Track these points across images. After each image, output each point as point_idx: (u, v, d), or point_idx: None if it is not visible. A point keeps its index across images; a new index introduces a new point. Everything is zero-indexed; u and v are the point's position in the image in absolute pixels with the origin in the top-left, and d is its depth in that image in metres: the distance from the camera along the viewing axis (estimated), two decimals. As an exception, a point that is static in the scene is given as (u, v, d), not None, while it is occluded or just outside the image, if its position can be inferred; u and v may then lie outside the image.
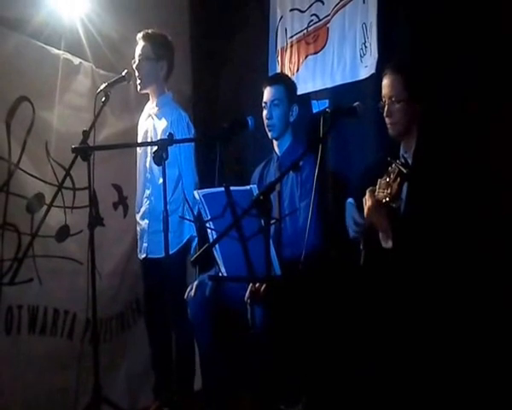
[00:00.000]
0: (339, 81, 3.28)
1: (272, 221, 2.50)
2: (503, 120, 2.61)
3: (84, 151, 2.86)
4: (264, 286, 2.76)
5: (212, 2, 4.10)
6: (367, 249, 2.56)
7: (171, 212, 3.03)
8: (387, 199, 2.32)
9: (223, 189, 2.63)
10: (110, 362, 3.57)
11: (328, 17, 3.36)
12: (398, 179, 2.29)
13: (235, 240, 2.61)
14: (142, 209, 3.48)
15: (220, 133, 3.08)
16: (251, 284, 2.81)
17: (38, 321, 3.26)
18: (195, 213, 3.06)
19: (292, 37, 3.62)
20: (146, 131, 3.50)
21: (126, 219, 3.75)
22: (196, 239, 3.31)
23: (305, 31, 3.53)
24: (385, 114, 2.61)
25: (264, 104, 3.18)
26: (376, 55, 3.02)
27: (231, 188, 2.62)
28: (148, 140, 3.46)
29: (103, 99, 3.12)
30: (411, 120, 2.59)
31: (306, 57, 3.52)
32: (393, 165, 2.33)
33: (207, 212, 2.78)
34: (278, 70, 3.68)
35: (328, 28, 3.37)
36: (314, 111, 3.52)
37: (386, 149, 2.75)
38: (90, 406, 2.98)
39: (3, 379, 3.08)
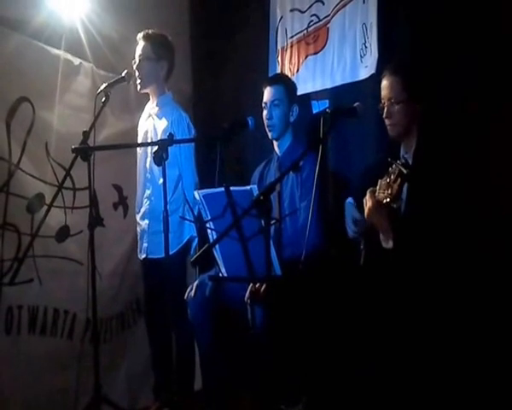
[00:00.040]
0: (339, 81, 3.28)
1: (272, 221, 2.50)
2: (503, 120, 2.61)
3: (84, 151, 2.86)
4: (264, 286, 2.75)
5: (212, 2, 4.11)
6: (367, 249, 2.57)
7: (171, 212, 3.02)
8: (388, 200, 2.32)
9: (223, 189, 2.63)
10: (110, 362, 3.57)
11: (329, 17, 3.36)
12: (399, 180, 2.29)
13: (236, 240, 2.61)
14: (143, 209, 3.48)
15: (220, 133, 3.08)
16: (251, 285, 2.81)
17: (38, 321, 3.26)
18: (196, 213, 3.07)
19: (292, 37, 3.62)
20: (146, 132, 3.49)
21: (126, 219, 3.75)
22: (196, 239, 3.31)
23: (305, 31, 3.53)
24: (384, 116, 2.61)
25: (264, 104, 3.18)
26: (376, 56, 3.02)
27: (231, 188, 2.62)
28: (149, 140, 3.46)
29: (103, 99, 3.12)
30: (411, 121, 2.59)
31: (306, 57, 3.53)
32: (394, 165, 2.33)
33: (207, 212, 2.78)
34: (278, 70, 3.68)
35: (328, 28, 3.37)
36: (314, 111, 3.52)
37: (386, 149, 2.75)
38: (90, 406, 2.99)
39: (3, 379, 3.08)
